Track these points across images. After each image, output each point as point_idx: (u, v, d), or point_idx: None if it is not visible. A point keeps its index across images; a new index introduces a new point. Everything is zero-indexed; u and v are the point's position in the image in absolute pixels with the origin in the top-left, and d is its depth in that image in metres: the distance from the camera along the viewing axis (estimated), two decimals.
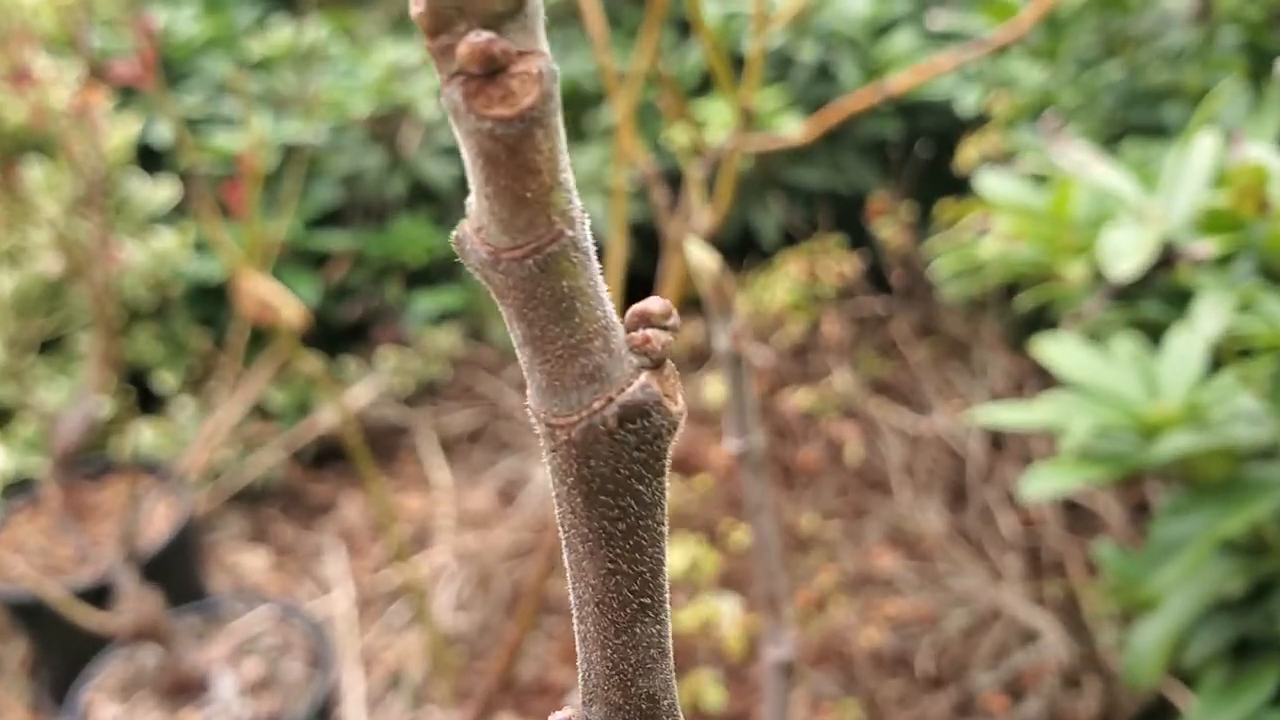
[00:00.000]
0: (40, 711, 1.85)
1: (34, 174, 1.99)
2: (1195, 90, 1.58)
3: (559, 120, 0.24)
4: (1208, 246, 0.90)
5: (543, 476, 2.01)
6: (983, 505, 1.80)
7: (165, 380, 2.18)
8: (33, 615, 1.78)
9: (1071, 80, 1.76)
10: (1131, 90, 1.72)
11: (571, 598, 0.30)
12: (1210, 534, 1.06)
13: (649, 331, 0.27)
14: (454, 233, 0.27)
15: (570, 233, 0.25)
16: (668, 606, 0.30)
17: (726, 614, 1.54)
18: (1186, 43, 1.66)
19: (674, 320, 0.28)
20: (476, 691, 1.68)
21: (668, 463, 0.28)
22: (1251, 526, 1.14)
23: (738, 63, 2.26)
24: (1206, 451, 1.11)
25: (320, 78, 2.31)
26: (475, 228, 0.25)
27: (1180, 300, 0.98)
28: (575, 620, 0.31)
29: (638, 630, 0.30)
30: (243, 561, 2.07)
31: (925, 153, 1.97)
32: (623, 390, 0.26)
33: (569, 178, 0.25)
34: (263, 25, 2.56)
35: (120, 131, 2.02)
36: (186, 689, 1.57)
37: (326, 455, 2.29)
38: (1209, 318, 0.87)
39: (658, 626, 0.30)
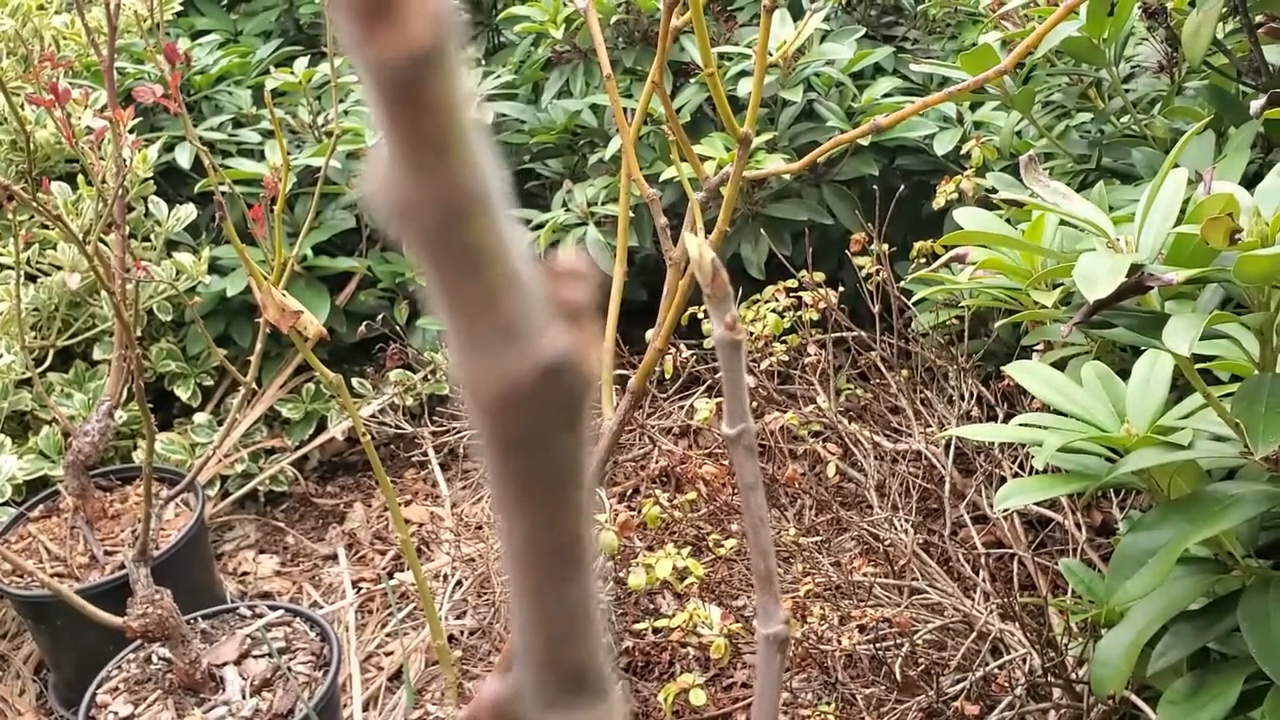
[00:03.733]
0: (49, 711, 1.83)
1: (59, 192, 1.99)
2: (1163, 137, 1.60)
3: (459, 61, 0.23)
4: (1176, 274, 0.91)
5: None
6: (955, 522, 1.80)
7: (181, 391, 2.17)
8: (44, 616, 1.77)
9: (1043, 126, 1.79)
10: (1101, 136, 1.74)
11: (504, 561, 0.29)
12: (1175, 547, 1.07)
13: (565, 286, 0.25)
14: (358, 183, 0.25)
15: (473, 182, 0.23)
16: (591, 570, 0.29)
17: (713, 620, 1.54)
18: (1154, 91, 1.68)
19: (589, 274, 0.26)
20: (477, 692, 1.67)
21: (585, 421, 0.26)
22: (1215, 542, 1.15)
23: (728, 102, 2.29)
24: (1172, 467, 1.12)
25: (336, 110, 2.32)
26: (381, 175, 0.24)
27: (1151, 326, 1.00)
28: (509, 582, 0.29)
29: (564, 590, 0.28)
30: (251, 567, 2.06)
31: (904, 192, 1.99)
32: (539, 348, 0.25)
33: (471, 124, 0.23)
34: (280, 59, 2.58)
35: (141, 154, 2.03)
36: (196, 688, 1.56)
37: (334, 467, 2.28)
38: (1179, 341, 0.88)
39: (582, 589, 0.28)
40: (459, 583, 1.91)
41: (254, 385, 1.66)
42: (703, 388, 2.16)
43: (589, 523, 0.28)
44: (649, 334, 2.01)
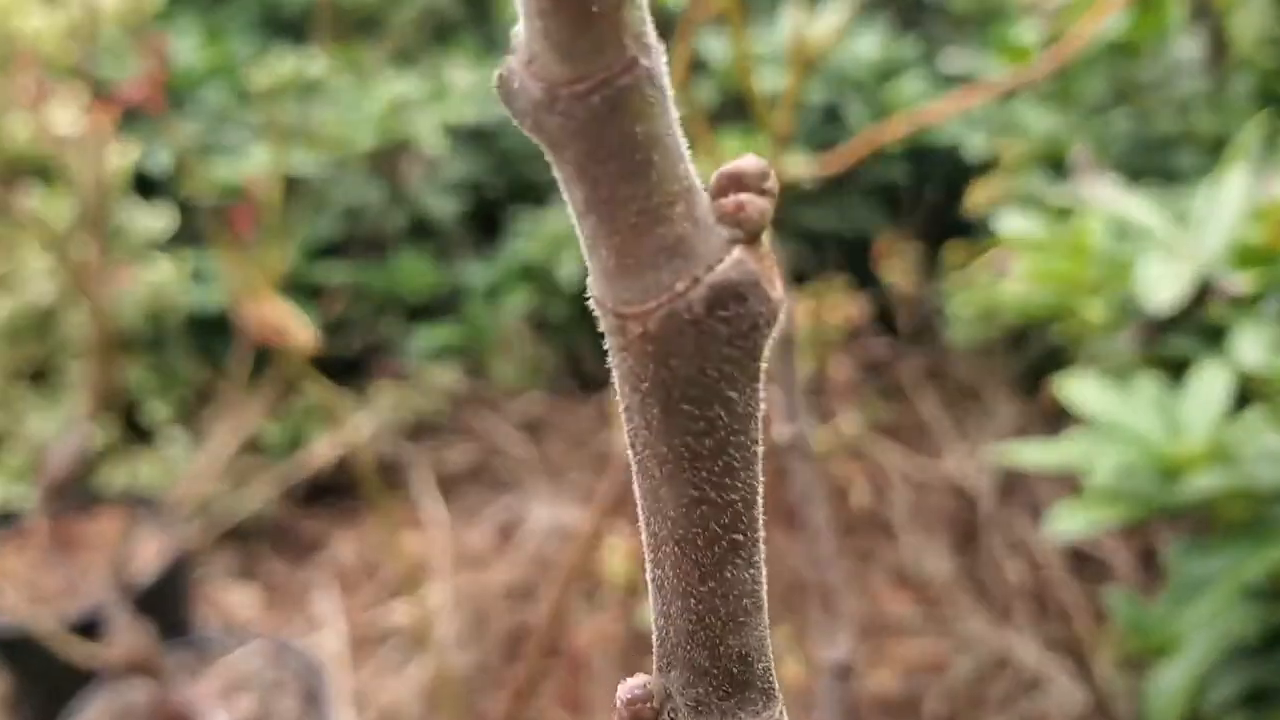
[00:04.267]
0: None
1: (32, 198, 1.99)
2: (1207, 137, 1.61)
3: None
4: (1241, 282, 0.91)
5: (543, 514, 2.01)
6: (990, 550, 1.80)
7: (158, 411, 2.17)
8: (16, 648, 1.75)
9: (1081, 126, 1.80)
10: (1142, 137, 1.75)
11: (644, 538, 0.25)
12: (1233, 577, 1.07)
13: (742, 196, 0.22)
14: (496, 71, 0.22)
15: (646, 62, 0.20)
16: (761, 547, 0.25)
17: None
18: (1198, 90, 1.69)
19: (772, 183, 0.22)
20: None
21: (764, 365, 0.23)
22: (1271, 571, 1.15)
23: (741, 98, 2.29)
24: (1229, 493, 1.12)
25: (322, 110, 2.32)
26: (525, 60, 0.21)
27: (1209, 337, 1.00)
28: (649, 566, 0.26)
29: (728, 574, 0.25)
30: (233, 598, 2.05)
31: (933, 196, 2.00)
32: (711, 268, 0.21)
33: None
34: (264, 56, 2.58)
35: (119, 157, 2.03)
36: None
37: (318, 491, 2.27)
38: (1249, 351, 0.88)
39: (751, 570, 0.25)
40: (456, 605, 1.90)
41: (236, 404, 1.66)
42: None
43: (761, 488, 0.25)
44: None
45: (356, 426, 2.16)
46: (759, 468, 0.24)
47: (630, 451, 0.24)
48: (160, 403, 2.18)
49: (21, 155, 2.05)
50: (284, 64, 2.41)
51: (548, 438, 2.11)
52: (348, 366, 2.30)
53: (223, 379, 2.01)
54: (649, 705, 0.26)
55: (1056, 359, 1.77)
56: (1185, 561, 1.15)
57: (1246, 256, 0.96)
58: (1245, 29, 1.39)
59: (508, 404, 2.18)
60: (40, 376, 2.15)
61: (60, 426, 2.02)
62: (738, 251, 0.22)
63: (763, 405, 0.24)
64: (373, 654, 1.91)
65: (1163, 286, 0.90)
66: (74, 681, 1.62)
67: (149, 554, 1.84)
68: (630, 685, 0.26)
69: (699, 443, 0.23)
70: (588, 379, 2.29)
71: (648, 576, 0.26)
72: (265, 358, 2.23)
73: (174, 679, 1.55)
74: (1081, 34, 1.15)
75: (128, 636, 1.50)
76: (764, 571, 0.26)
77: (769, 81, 2.08)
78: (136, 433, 2.19)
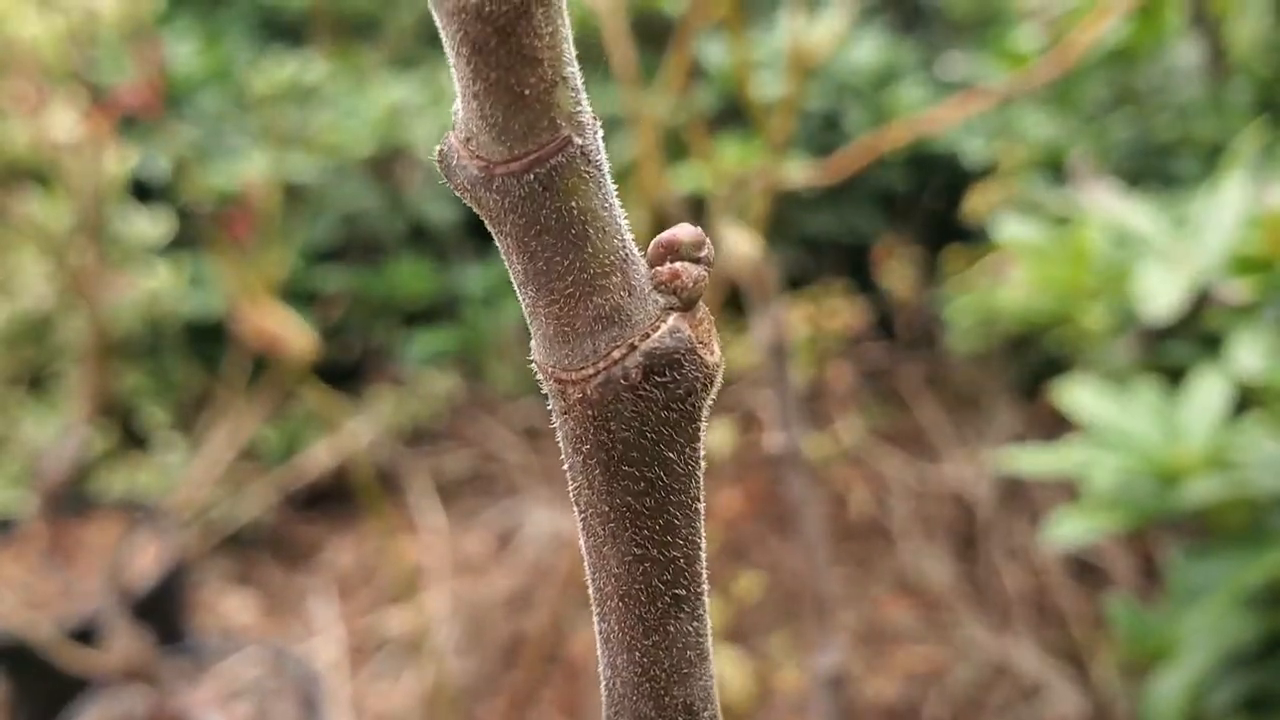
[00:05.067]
0: None
1: (30, 203, 1.99)
2: (1205, 143, 1.61)
3: (560, 4, 0.20)
4: (1239, 290, 0.91)
5: (541, 520, 2.01)
6: (990, 557, 1.80)
7: (155, 417, 2.16)
8: (13, 655, 1.75)
9: (1080, 132, 1.80)
10: (1141, 143, 1.75)
11: (591, 591, 0.26)
12: (1232, 583, 1.07)
13: (678, 265, 0.22)
14: (437, 147, 0.22)
15: (580, 140, 0.21)
16: (705, 600, 0.26)
17: (730, 664, 1.53)
18: (1196, 96, 1.69)
19: (707, 252, 0.23)
20: None
21: (704, 426, 0.24)
22: (1270, 577, 1.15)
23: (739, 105, 2.29)
24: (1227, 500, 1.12)
25: (320, 115, 2.32)
26: (463, 138, 0.21)
27: (1208, 344, 1.00)
28: (596, 619, 0.26)
29: (671, 628, 0.25)
30: (230, 604, 2.05)
31: (931, 202, 2.00)
32: (647, 336, 0.22)
33: (575, 74, 0.21)
34: (262, 60, 2.58)
35: (117, 163, 2.03)
36: None
37: (316, 498, 2.27)
38: (1247, 358, 0.88)
39: (695, 624, 0.25)
40: (454, 611, 1.90)
41: (233, 410, 1.66)
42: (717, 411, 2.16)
43: (703, 543, 0.25)
44: None
45: (354, 432, 2.16)
46: (701, 524, 0.25)
47: (575, 509, 0.25)
48: (157, 408, 2.18)
49: (19, 160, 2.05)
50: (282, 69, 2.41)
51: (545, 444, 2.11)
52: (345, 372, 2.30)
53: (220, 385, 2.00)
54: None
55: (1055, 366, 1.77)
56: (1184, 568, 1.15)
57: (1245, 264, 0.96)
58: (1243, 36, 1.39)
59: (505, 409, 2.18)
60: (37, 382, 2.14)
61: (57, 432, 2.02)
62: (673, 319, 0.22)
63: (702, 464, 0.24)
64: (369, 660, 1.90)
65: (1161, 294, 0.90)
66: (71, 688, 1.62)
67: (146, 560, 1.83)
68: None
69: (639, 502, 0.24)
70: None
71: (595, 629, 0.26)
72: (263, 363, 2.23)
73: (171, 685, 1.54)
74: (1081, 40, 1.15)
75: (125, 643, 1.50)
76: (708, 624, 0.26)
77: (768, 87, 2.08)
78: (134, 438, 2.19)
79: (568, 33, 0.20)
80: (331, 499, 2.29)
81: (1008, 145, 1.97)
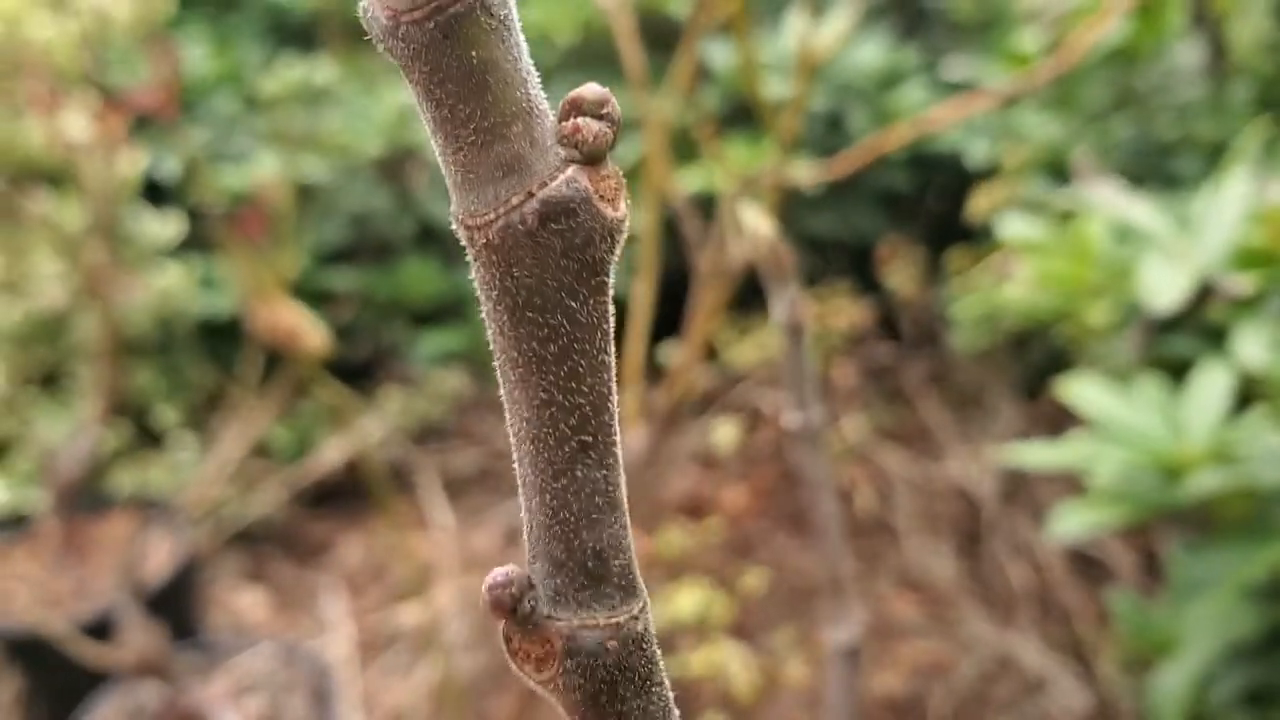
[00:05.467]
0: None
1: (44, 203, 2.00)
2: (1207, 142, 1.62)
3: None
4: (1243, 283, 0.92)
5: None
6: (994, 552, 1.81)
7: (167, 415, 2.17)
8: (27, 650, 1.76)
9: (1082, 132, 1.81)
10: (1143, 142, 1.76)
11: (510, 437, 0.27)
12: (1235, 577, 1.07)
13: (580, 120, 0.23)
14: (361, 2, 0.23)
15: None
16: (617, 451, 0.26)
17: (736, 658, 1.54)
18: (1198, 96, 1.70)
19: (611, 109, 0.24)
20: None
21: (609, 278, 0.24)
22: (1272, 571, 1.16)
23: (741, 108, 2.30)
24: (1230, 492, 1.12)
25: (330, 117, 2.34)
26: None
27: (1211, 338, 1.00)
28: (516, 464, 0.27)
29: (579, 473, 0.26)
30: (242, 600, 2.06)
31: (935, 203, 2.01)
32: (544, 184, 0.23)
33: None
34: (272, 63, 2.59)
35: (129, 164, 2.04)
36: None
37: (326, 495, 2.28)
38: (1250, 350, 0.89)
39: (603, 471, 0.26)
40: (461, 618, 1.91)
41: (245, 408, 1.67)
42: (719, 407, 2.17)
43: (612, 395, 0.26)
44: (664, 353, 2.02)
45: (364, 430, 2.17)
46: (609, 376, 0.25)
47: (493, 354, 0.26)
48: (170, 407, 2.19)
49: (34, 161, 2.06)
50: (292, 72, 2.42)
51: None
52: (354, 371, 2.31)
53: (232, 384, 2.01)
54: (509, 591, 0.28)
55: (1059, 362, 1.78)
56: (1186, 562, 1.16)
57: (1247, 258, 0.97)
58: (1243, 36, 1.40)
59: None
60: (50, 381, 2.16)
61: (70, 430, 2.03)
62: (571, 170, 0.23)
63: (610, 317, 0.25)
64: (380, 656, 1.91)
65: (1165, 289, 0.91)
66: (85, 683, 1.63)
67: (159, 557, 1.84)
68: (496, 573, 0.28)
69: (544, 348, 0.24)
70: None
71: (516, 471, 0.27)
72: (274, 363, 2.24)
73: (184, 681, 1.55)
74: (1082, 41, 1.16)
75: (138, 638, 1.51)
76: (619, 473, 0.27)
77: (773, 88, 2.09)
78: (146, 437, 2.20)
79: None
80: (342, 496, 2.30)
81: (1011, 145, 1.97)
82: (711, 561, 1.80)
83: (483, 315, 0.25)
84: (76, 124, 2.02)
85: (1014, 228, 1.31)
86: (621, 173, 0.24)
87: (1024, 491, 1.86)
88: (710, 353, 2.04)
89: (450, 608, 1.94)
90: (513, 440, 0.26)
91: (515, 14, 0.23)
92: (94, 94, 1.74)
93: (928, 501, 1.90)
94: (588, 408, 0.25)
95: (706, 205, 2.16)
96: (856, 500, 1.81)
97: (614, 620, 0.27)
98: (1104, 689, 1.59)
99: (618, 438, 0.26)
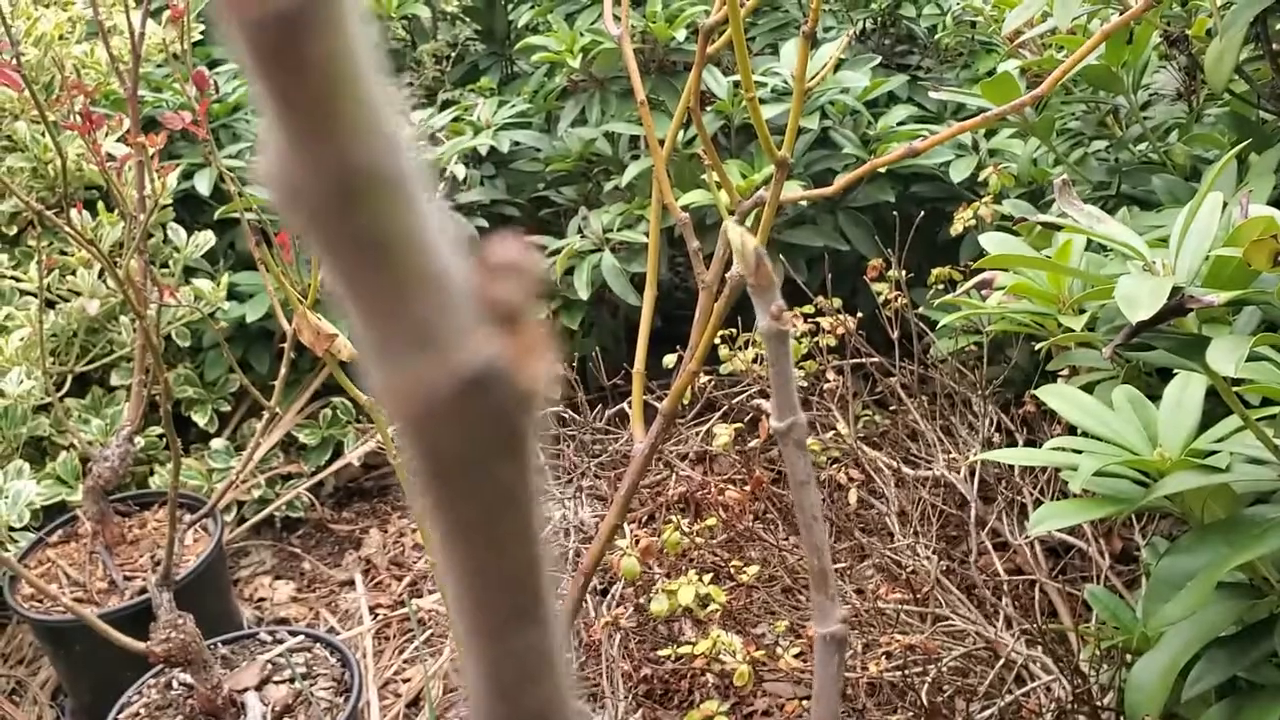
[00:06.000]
0: None
1: (83, 217, 1.99)
2: (1182, 164, 1.61)
3: (346, 13, 0.19)
4: (1217, 296, 0.91)
5: (557, 515, 2.00)
6: (977, 550, 1.79)
7: (201, 415, 2.17)
8: (63, 641, 1.75)
9: (1061, 154, 1.79)
10: (1119, 163, 1.75)
11: (448, 600, 0.25)
12: (1214, 571, 1.06)
13: (496, 281, 0.21)
14: (257, 163, 0.21)
15: (369, 157, 0.20)
16: (551, 613, 0.25)
17: (735, 646, 1.53)
18: (1171, 118, 1.69)
19: (523, 267, 0.22)
20: None
21: (528, 443, 0.23)
22: (1249, 567, 1.15)
23: (742, 130, 2.29)
24: (1207, 491, 1.11)
25: None
26: (270, 154, 0.20)
27: (1188, 348, 0.99)
28: (452, 624, 0.26)
29: (514, 638, 0.24)
30: (268, 593, 2.05)
31: (920, 219, 2.00)
32: (457, 357, 0.21)
33: (373, 90, 0.20)
34: None
35: (161, 180, 2.03)
36: (218, 714, 1.55)
37: (350, 493, 2.28)
38: (1224, 362, 0.88)
39: (538, 633, 0.25)
40: None
41: (275, 410, 1.66)
42: (718, 414, 2.15)
43: (542, 557, 0.24)
44: (667, 360, 2.01)
45: (387, 430, 2.16)
46: (537, 540, 0.24)
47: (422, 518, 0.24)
48: (203, 408, 2.19)
49: (72, 175, 2.05)
50: None
51: (560, 444, 2.11)
52: None
53: (262, 386, 2.00)
54: None
55: (1037, 371, 1.77)
56: (1164, 558, 1.14)
57: (1222, 273, 0.96)
58: (1220, 63, 1.38)
59: None
60: (88, 384, 2.15)
61: (107, 431, 2.02)
62: (483, 339, 0.21)
63: (534, 482, 0.23)
64: (403, 646, 1.90)
65: (1142, 302, 0.90)
66: (118, 673, 1.62)
67: (191, 550, 1.83)
68: None
69: (470, 516, 0.22)
70: (600, 388, 2.28)
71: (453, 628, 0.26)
72: (300, 367, 2.23)
73: (213, 670, 1.54)
74: (1063, 68, 1.15)
75: (170, 629, 1.50)
76: (555, 635, 0.25)
77: (769, 112, 2.08)
78: (180, 437, 2.19)
79: (364, 48, 0.19)
80: (366, 493, 2.30)
81: (994, 165, 1.96)
82: (710, 557, 1.79)
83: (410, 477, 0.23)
84: (112, 141, 2.01)
85: (994, 244, 1.30)
86: (541, 326, 0.22)
87: (1006, 491, 1.85)
88: (710, 359, 2.02)
89: None
90: (449, 604, 0.25)
91: (420, 175, 0.20)
92: (129, 113, 1.73)
93: (913, 502, 1.88)
94: (518, 573, 0.23)
95: (705, 221, 2.15)
96: (844, 502, 1.80)
97: None
98: (1082, 681, 1.57)
99: (551, 601, 0.24)
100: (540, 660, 0.25)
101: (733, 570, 1.68)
